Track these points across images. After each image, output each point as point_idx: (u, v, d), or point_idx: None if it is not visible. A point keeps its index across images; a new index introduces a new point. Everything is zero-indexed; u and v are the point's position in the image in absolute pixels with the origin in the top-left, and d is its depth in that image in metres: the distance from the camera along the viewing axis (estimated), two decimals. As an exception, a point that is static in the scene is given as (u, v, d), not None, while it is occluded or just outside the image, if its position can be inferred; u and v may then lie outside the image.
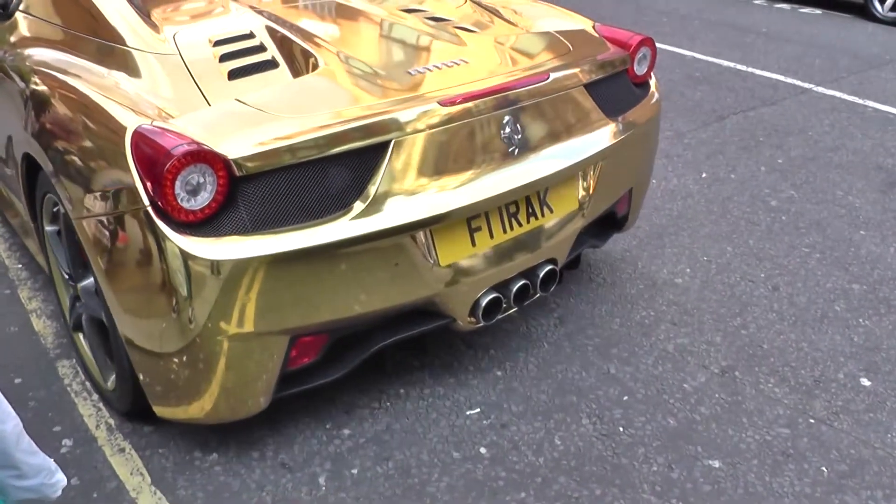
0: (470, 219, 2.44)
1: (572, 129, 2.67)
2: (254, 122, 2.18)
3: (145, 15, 2.73)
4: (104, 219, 2.21)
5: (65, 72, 2.56)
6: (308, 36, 2.69)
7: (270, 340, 2.22)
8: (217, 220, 2.08)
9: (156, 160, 2.02)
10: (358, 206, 2.20)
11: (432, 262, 2.38)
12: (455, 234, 2.42)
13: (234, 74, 2.42)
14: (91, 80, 2.46)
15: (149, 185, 2.05)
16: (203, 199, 2.05)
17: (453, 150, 2.36)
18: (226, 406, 2.31)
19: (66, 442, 2.58)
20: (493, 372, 2.85)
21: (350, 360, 2.46)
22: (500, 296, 2.58)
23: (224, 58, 2.50)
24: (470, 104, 2.37)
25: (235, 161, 2.06)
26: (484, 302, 2.54)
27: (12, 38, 3.03)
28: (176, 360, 2.25)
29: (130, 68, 2.47)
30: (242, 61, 2.48)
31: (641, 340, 3.03)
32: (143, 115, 2.20)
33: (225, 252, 2.06)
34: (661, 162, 4.56)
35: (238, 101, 2.26)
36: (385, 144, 2.24)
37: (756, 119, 5.33)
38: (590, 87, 2.75)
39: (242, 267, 2.07)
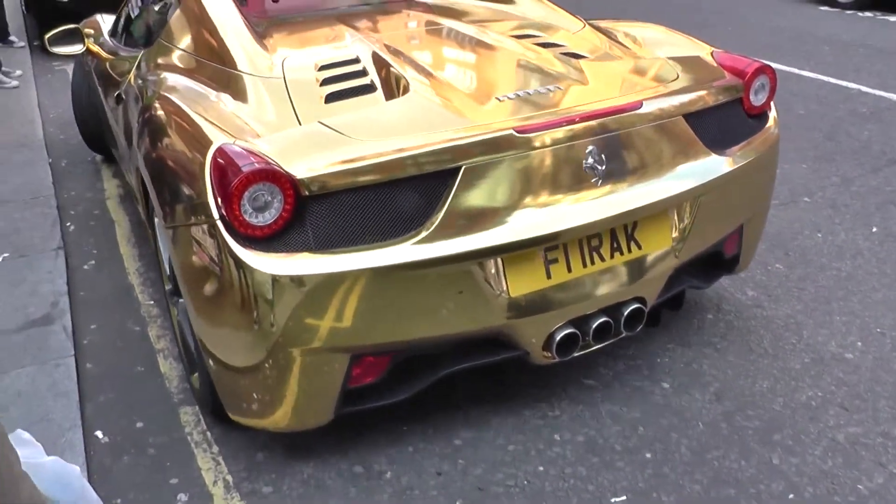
0: (546, 250, 2.38)
1: (667, 160, 2.54)
2: (328, 144, 2.21)
3: (261, 41, 2.86)
4: (184, 228, 2.31)
5: (177, 93, 2.70)
6: (407, 61, 2.71)
7: (330, 358, 2.25)
8: (283, 237, 2.14)
9: (227, 176, 2.11)
10: (423, 230, 2.19)
11: (501, 291, 2.33)
12: (529, 264, 2.36)
13: (330, 98, 2.48)
14: (199, 101, 2.59)
15: (219, 199, 2.13)
16: (270, 215, 2.11)
17: (529, 179, 2.30)
18: (289, 418, 2.36)
19: (182, 496, 2.46)
20: (641, 453, 2.57)
21: (415, 383, 2.44)
22: (578, 331, 2.48)
23: (325, 82, 2.57)
24: (548, 132, 2.31)
25: (303, 181, 2.10)
26: (559, 336, 2.46)
27: (152, 63, 3.20)
28: (239, 369, 2.34)
29: (237, 91, 2.59)
30: (342, 85, 2.55)
31: (808, 426, 2.69)
32: (231, 134, 2.29)
33: (285, 268, 2.11)
34: (827, 213, 4.16)
35: (321, 122, 2.31)
36: (455, 171, 2.21)
37: (932, 164, 4.83)
38: (691, 117, 2.60)
39: (302, 283, 2.11)
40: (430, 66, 2.71)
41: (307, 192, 2.11)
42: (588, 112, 2.38)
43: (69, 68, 7.96)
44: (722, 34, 7.89)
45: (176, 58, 3.07)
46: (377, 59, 2.71)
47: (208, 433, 2.71)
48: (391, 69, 2.63)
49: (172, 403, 2.86)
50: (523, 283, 2.35)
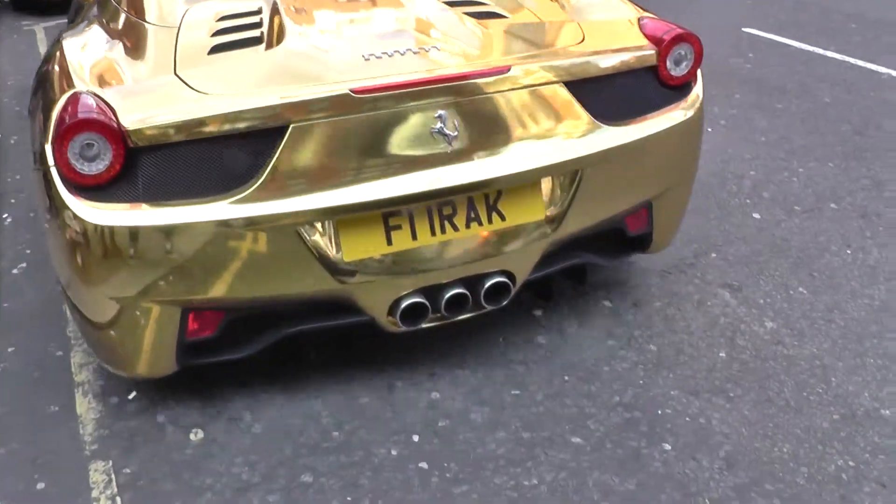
0: (388, 215, 2.34)
1: (539, 129, 2.45)
2: (172, 97, 2.20)
3: None
4: (36, 172, 2.31)
5: (77, 44, 2.64)
6: (300, 13, 2.67)
7: (162, 310, 2.27)
8: (113, 187, 2.15)
9: (61, 123, 2.11)
10: (245, 188, 2.19)
11: (335, 255, 2.31)
12: (366, 229, 2.33)
13: (215, 50, 2.46)
14: (94, 52, 2.56)
15: (53, 145, 2.12)
16: (99, 165, 2.12)
17: (366, 142, 2.25)
18: (137, 366, 2.38)
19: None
20: (634, 544, 2.12)
21: (257, 341, 2.44)
22: (426, 301, 2.43)
23: (218, 33, 2.56)
24: (390, 94, 2.24)
25: (132, 133, 2.11)
26: (404, 304, 2.42)
27: (89, 8, 3.24)
28: (85, 315, 2.35)
29: (136, 41, 2.58)
30: (231, 37, 2.53)
31: (839, 506, 2.24)
32: (98, 84, 2.28)
33: (111, 218, 2.13)
34: (858, 224, 3.66)
35: (176, 75, 2.30)
36: (283, 129, 2.19)
37: (974, 164, 4.31)
38: (577, 85, 2.49)
39: (126, 234, 2.13)
40: (321, 18, 2.67)
41: (136, 144, 2.12)
42: (440, 76, 2.29)
43: (38, 28, 7.47)
44: (739, 6, 7.34)
45: (103, 3, 3.09)
46: (274, 9, 2.68)
47: (118, 499, 2.27)
48: (280, 21, 2.58)
49: (83, 457, 2.42)
50: (359, 248, 2.32)
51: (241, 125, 2.15)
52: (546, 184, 2.50)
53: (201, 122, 2.13)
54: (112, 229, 2.12)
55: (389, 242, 2.34)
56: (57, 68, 2.48)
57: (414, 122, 2.28)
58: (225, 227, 2.16)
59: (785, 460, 2.37)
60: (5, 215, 3.89)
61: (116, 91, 2.22)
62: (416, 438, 2.44)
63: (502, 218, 2.45)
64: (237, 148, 2.18)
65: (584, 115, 2.49)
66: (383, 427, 2.49)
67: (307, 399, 2.61)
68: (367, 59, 2.35)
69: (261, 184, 2.18)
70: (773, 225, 3.63)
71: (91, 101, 2.14)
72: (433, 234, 2.38)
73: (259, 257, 2.22)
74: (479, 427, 2.48)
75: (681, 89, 2.71)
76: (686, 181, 2.84)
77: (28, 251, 3.55)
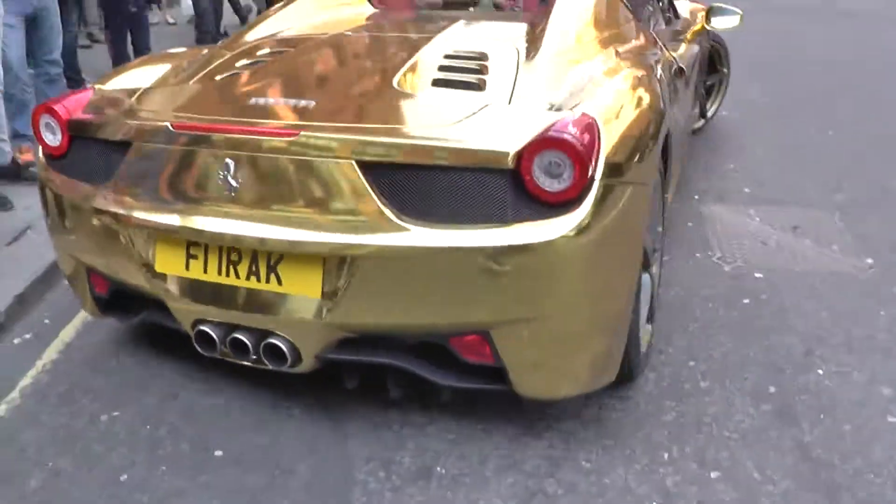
0: (191, 243, 2.52)
1: (317, 203, 2.33)
2: (107, 103, 2.80)
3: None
4: None
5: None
6: (291, 55, 3.09)
7: (77, 265, 2.84)
8: (63, 158, 2.79)
9: None
10: (105, 186, 2.62)
11: (150, 263, 2.58)
12: (173, 249, 2.55)
13: (231, 74, 2.93)
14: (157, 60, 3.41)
15: None
16: (54, 140, 2.79)
17: (180, 173, 2.49)
18: (84, 305, 2.98)
19: None
20: None
21: (136, 314, 2.86)
22: (213, 333, 2.53)
23: (248, 65, 3.02)
24: (194, 134, 2.46)
25: (67, 121, 2.72)
26: (196, 328, 2.57)
27: None
28: None
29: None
30: (249, 60, 3.07)
31: None
32: (105, 83, 3.03)
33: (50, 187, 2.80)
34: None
35: (142, 91, 2.84)
36: (126, 145, 2.59)
37: None
38: (373, 167, 2.26)
39: (52, 201, 2.79)
40: (292, 60, 3.05)
41: (72, 132, 2.71)
42: (228, 126, 2.43)
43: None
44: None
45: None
46: (274, 44, 3.26)
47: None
48: (273, 59, 3.04)
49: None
50: (165, 263, 2.56)
51: (112, 135, 2.62)
52: (325, 263, 2.34)
53: (95, 125, 2.66)
54: (47, 197, 2.78)
55: (187, 268, 2.53)
56: None
57: (210, 165, 2.43)
58: (86, 213, 2.64)
59: None
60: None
61: (97, 90, 2.88)
62: None
63: (279, 282, 2.42)
64: (111, 152, 2.63)
65: (373, 202, 2.25)
66: None
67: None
68: (250, 104, 2.59)
69: (109, 183, 2.61)
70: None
71: (84, 95, 2.82)
72: (219, 273, 2.48)
73: (106, 243, 2.65)
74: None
75: (559, 207, 2.18)
76: (564, 318, 2.31)
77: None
